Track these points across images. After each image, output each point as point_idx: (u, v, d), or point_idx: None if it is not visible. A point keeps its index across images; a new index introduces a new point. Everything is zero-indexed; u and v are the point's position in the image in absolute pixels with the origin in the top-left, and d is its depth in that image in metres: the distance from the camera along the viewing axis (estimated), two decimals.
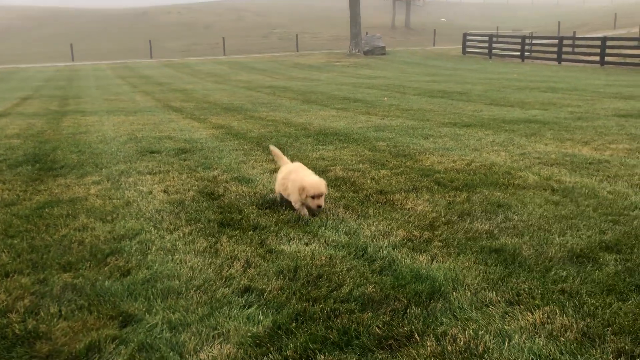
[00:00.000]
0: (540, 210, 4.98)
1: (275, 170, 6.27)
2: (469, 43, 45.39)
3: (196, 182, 6.28)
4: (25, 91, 22.21)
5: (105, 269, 3.80)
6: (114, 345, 2.80)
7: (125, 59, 46.14)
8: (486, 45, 43.08)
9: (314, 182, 4.88)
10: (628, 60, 31.89)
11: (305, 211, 4.95)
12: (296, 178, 4.97)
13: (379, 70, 33.78)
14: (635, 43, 35.33)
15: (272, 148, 5.91)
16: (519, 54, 39.55)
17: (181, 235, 4.46)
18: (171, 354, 2.72)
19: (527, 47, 39.79)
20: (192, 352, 2.75)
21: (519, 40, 40.60)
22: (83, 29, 64.58)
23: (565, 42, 37.20)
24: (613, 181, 6.10)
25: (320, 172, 6.64)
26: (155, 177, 6.59)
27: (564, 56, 35.67)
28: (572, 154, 7.72)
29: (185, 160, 7.58)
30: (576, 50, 36.63)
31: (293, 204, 5.02)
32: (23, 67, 40.09)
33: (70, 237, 4.44)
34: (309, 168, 6.77)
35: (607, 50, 32.81)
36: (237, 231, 4.54)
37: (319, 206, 4.82)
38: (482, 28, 58.67)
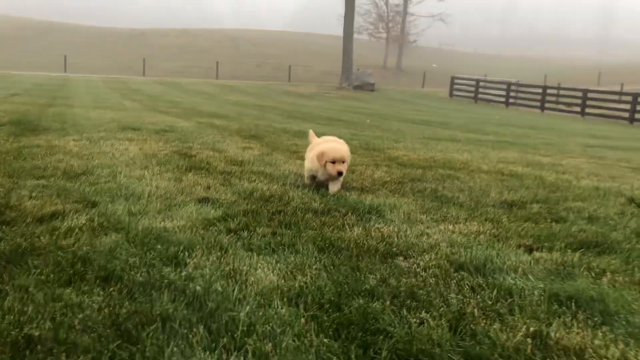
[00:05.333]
0: (485, 181, 5.39)
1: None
2: (456, 86, 46.48)
3: (171, 147, 6.62)
4: (14, 90, 22.48)
5: (77, 182, 4.12)
6: (77, 214, 3.12)
7: (118, 75, 46.66)
8: (473, 89, 44.20)
9: (335, 146, 4.42)
10: (609, 112, 32.83)
11: (309, 182, 4.53)
12: (318, 147, 4.50)
13: (367, 103, 34.53)
14: (616, 97, 36.50)
15: (311, 132, 5.33)
16: (504, 99, 40.60)
17: (150, 172, 4.79)
18: (128, 218, 3.05)
19: (512, 93, 40.86)
20: (145, 221, 3.08)
21: (505, 86, 41.72)
22: (78, 44, 65.26)
23: (549, 91, 38.35)
24: (561, 174, 6.54)
25: (292, 152, 7.06)
26: (133, 142, 6.92)
27: (547, 105, 36.67)
28: (532, 159, 8.18)
29: (164, 135, 7.93)
30: (559, 100, 37.74)
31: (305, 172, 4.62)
32: (15, 74, 40.37)
33: (46, 163, 4.76)
34: (281, 150, 7.21)
35: (589, 102, 33.86)
36: (204, 171, 4.89)
37: (340, 172, 4.26)
38: (472, 75, 60.12)
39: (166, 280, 2.19)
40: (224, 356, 1.70)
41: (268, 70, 59.41)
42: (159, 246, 2.58)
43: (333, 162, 4.24)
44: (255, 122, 13.50)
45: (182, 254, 2.52)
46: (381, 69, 67.63)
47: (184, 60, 60.67)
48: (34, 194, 3.51)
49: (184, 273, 2.28)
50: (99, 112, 12.82)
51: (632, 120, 30.21)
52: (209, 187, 4.20)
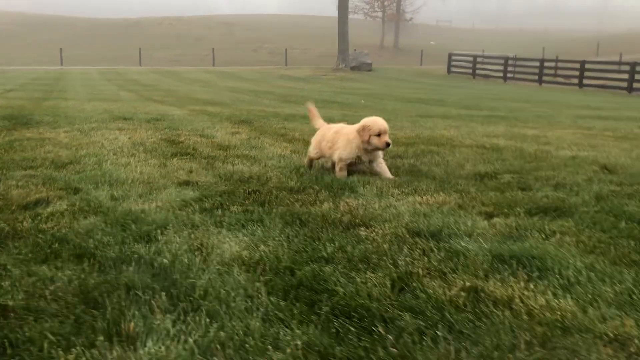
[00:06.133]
0: (464, 155, 5.53)
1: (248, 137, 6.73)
2: (454, 63, 46.36)
3: (160, 135, 6.78)
4: (10, 86, 22.60)
5: (63, 171, 4.29)
6: (60, 200, 3.29)
7: (114, 66, 46.66)
8: (470, 65, 44.11)
9: (376, 118, 4.36)
10: (607, 83, 32.72)
11: (345, 172, 4.31)
12: (350, 129, 4.41)
13: (363, 83, 34.50)
14: (614, 67, 36.41)
15: (310, 105, 5.32)
16: (501, 75, 40.53)
17: (136, 159, 4.96)
18: (110, 202, 3.21)
19: (509, 68, 40.81)
20: (125, 205, 3.24)
21: (502, 61, 41.63)
22: (74, 36, 65.19)
23: (547, 64, 38.29)
24: (542, 145, 6.67)
25: (279, 135, 7.20)
26: (123, 131, 7.08)
27: (544, 78, 36.64)
28: (517, 132, 8.30)
29: (154, 124, 8.07)
30: (557, 72, 37.73)
31: (337, 162, 4.34)
32: (10, 69, 40.46)
33: (35, 155, 4.93)
34: (269, 133, 7.36)
35: (586, 74, 33.79)
36: (188, 156, 5.05)
37: (388, 143, 4.23)
38: (470, 51, 59.83)
39: (136, 255, 2.36)
40: (181, 317, 1.87)
41: (264, 55, 59.32)
42: (133, 226, 2.75)
43: (378, 134, 4.19)
44: (249, 107, 13.63)
45: (154, 232, 2.69)
46: (378, 49, 67.33)
47: (179, 48, 60.59)
48: (20, 183, 3.69)
49: (153, 248, 2.45)
50: (93, 104, 12.97)
51: (630, 89, 30.18)
52: (191, 171, 4.36)
